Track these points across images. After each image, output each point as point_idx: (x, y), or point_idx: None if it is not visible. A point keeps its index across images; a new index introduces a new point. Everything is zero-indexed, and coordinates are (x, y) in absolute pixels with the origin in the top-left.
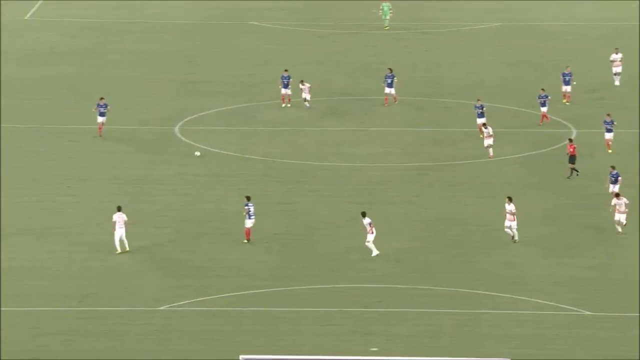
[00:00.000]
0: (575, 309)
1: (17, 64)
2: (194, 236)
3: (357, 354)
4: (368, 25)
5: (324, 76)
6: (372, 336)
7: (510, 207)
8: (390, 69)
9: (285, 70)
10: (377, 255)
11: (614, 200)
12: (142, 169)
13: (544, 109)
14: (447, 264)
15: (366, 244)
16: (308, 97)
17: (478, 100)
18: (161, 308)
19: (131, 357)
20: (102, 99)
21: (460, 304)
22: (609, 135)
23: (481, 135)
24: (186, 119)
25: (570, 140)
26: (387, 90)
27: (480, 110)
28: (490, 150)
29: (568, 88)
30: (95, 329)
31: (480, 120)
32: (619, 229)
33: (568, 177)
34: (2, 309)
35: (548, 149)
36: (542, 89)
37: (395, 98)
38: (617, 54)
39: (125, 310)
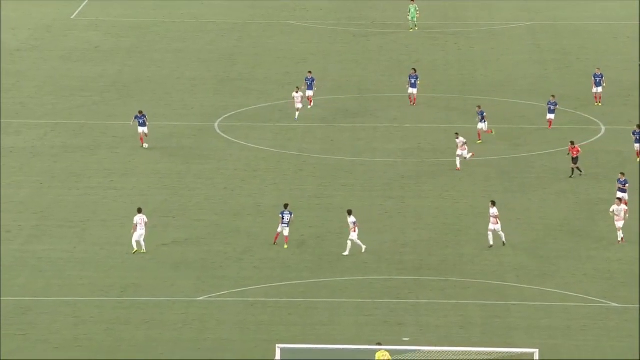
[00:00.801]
0: (602, 300)
1: (62, 62)
2: (232, 229)
3: (389, 343)
4: (402, 24)
5: (359, 74)
6: (403, 326)
7: (493, 210)
8: (415, 70)
9: (309, 72)
10: (347, 255)
11: (614, 207)
12: (182, 164)
13: (551, 116)
14: (477, 256)
15: (348, 240)
16: (300, 106)
17: (479, 107)
18: (199, 298)
19: (170, 345)
20: (140, 112)
21: (489, 296)
22: (638, 146)
23: (479, 141)
24: (225, 116)
25: (572, 142)
26: (410, 90)
27: (481, 117)
28: (458, 161)
29: (599, 89)
30: (135, 319)
31: (480, 126)
32: (619, 238)
33: (570, 177)
34: (44, 298)
35: (578, 145)
36: (553, 96)
37: (415, 99)
38: None
39: (165, 300)
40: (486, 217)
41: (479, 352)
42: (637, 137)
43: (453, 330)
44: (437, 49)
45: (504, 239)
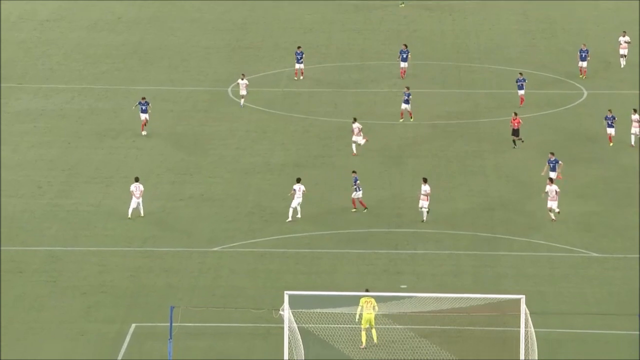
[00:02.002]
0: (584, 251)
1: (88, 32)
2: (243, 185)
3: (388, 290)
4: None
5: (361, 43)
6: (401, 275)
7: (425, 187)
8: (406, 45)
9: (299, 47)
10: (290, 221)
11: (547, 187)
12: (198, 126)
13: (521, 92)
14: (470, 211)
15: (290, 208)
16: (244, 93)
17: (407, 88)
18: (214, 249)
19: (187, 291)
20: (143, 98)
21: (480, 247)
22: (610, 130)
23: (401, 119)
24: (237, 81)
25: (515, 114)
26: (402, 64)
27: (407, 98)
28: (354, 146)
29: (584, 64)
30: (156, 267)
31: (404, 106)
32: (552, 217)
33: (514, 147)
34: (73, 248)
35: (561, 108)
36: (520, 73)
37: (404, 71)
38: (624, 36)
39: (183, 250)
40: (477, 175)
41: (470, 298)
42: (610, 122)
43: (447, 279)
44: (433, 20)
45: (425, 217)
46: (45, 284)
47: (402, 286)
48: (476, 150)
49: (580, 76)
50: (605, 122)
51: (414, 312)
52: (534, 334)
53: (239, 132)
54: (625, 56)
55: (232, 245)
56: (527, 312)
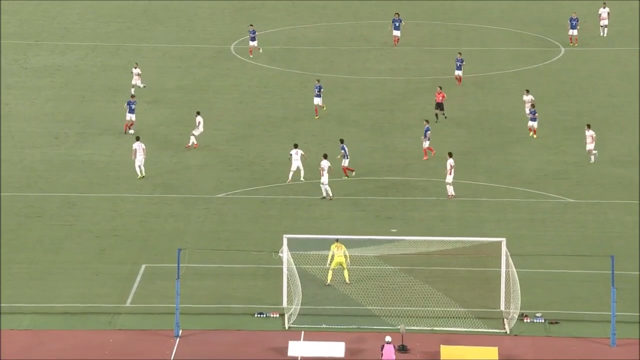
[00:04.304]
0: (560, 197)
1: None
2: (246, 137)
3: (379, 234)
4: None
5: (355, 3)
6: (392, 220)
7: (324, 163)
8: (398, 14)
9: (251, 25)
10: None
11: (450, 160)
12: (203, 81)
13: (458, 72)
14: (455, 160)
15: (291, 170)
16: (135, 82)
17: (318, 80)
18: (218, 195)
19: (193, 235)
20: (132, 96)
21: (465, 193)
22: (532, 124)
23: (316, 117)
24: (240, 39)
25: (440, 87)
26: (394, 32)
27: (318, 92)
28: (192, 138)
29: (575, 32)
30: (164, 212)
31: (317, 101)
32: (449, 193)
33: (436, 122)
34: (87, 194)
35: (541, 64)
36: (460, 53)
37: (398, 40)
38: (604, 8)
39: (189, 197)
40: (461, 127)
41: (455, 241)
42: (532, 116)
43: (433, 223)
44: None
45: (329, 194)
46: (62, 228)
47: (393, 230)
48: (460, 103)
49: (571, 44)
50: (528, 116)
51: (404, 254)
52: (514, 273)
53: (242, 87)
54: (606, 27)
55: (235, 192)
56: (508, 253)
